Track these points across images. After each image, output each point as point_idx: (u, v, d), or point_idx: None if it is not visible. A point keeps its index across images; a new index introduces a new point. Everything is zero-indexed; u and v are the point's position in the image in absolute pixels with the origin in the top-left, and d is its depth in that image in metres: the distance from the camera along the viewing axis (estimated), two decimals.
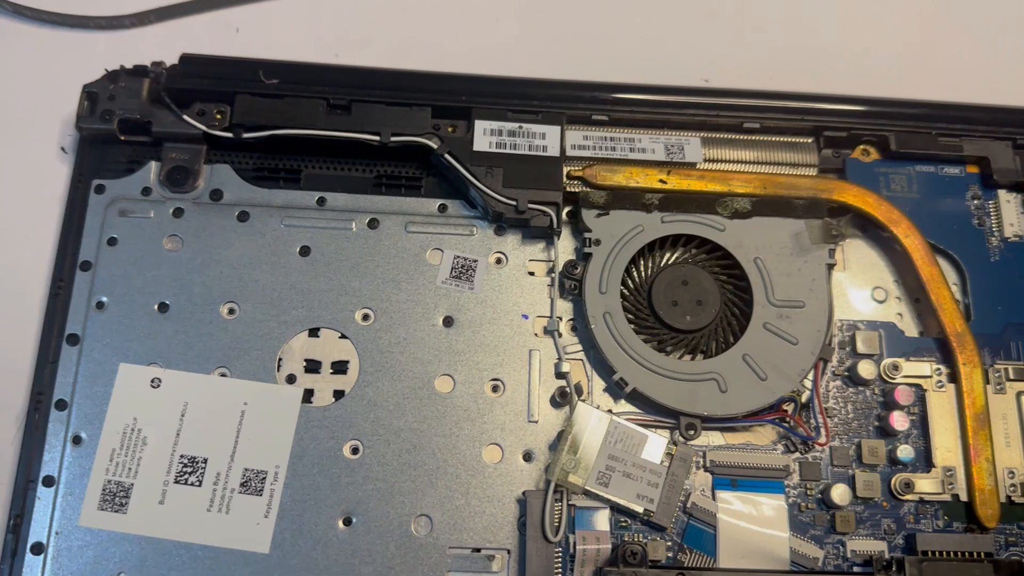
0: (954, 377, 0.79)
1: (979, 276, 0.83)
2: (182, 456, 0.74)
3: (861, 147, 0.86)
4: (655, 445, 0.75)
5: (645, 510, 0.73)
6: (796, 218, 0.82)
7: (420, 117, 0.82)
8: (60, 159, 0.87)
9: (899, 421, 0.77)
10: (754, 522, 0.74)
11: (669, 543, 0.74)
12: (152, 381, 0.76)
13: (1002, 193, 0.86)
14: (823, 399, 0.78)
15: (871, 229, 0.84)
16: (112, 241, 0.80)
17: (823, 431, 0.76)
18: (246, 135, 0.81)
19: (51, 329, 0.78)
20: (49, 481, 0.73)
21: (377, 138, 0.81)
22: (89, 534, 0.72)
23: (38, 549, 0.71)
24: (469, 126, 0.82)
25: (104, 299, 0.78)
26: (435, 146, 0.81)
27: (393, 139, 0.81)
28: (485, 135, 0.82)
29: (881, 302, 0.83)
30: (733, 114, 0.84)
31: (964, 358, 0.79)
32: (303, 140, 0.82)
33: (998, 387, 0.79)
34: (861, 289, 0.83)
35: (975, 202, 0.85)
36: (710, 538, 0.74)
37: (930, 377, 0.79)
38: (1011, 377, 0.80)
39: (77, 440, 0.74)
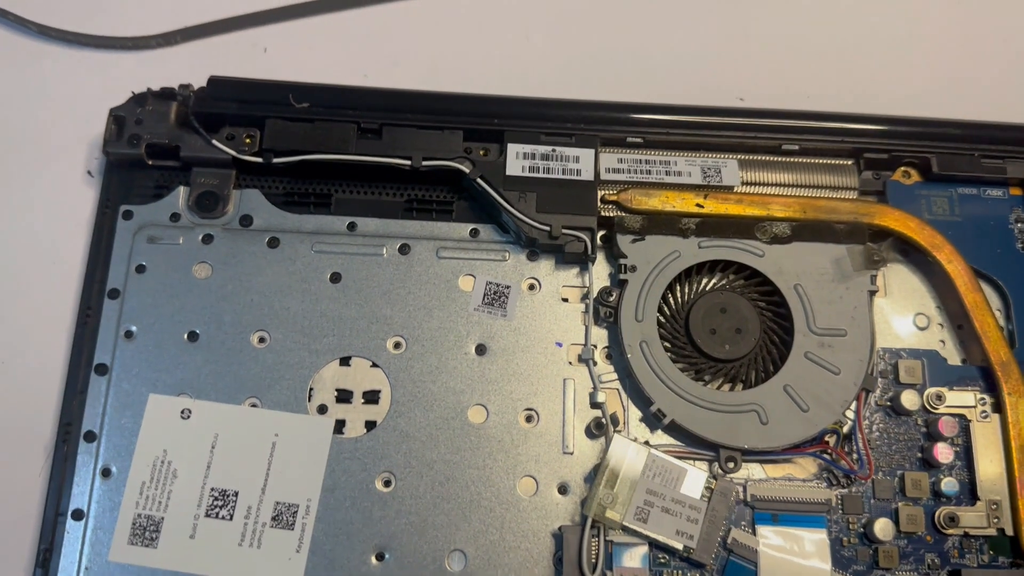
0: (999, 407, 0.77)
1: None
2: (213, 489, 0.73)
3: (902, 169, 0.84)
4: (694, 479, 0.73)
5: (685, 547, 0.72)
6: (837, 243, 0.80)
7: (452, 140, 0.80)
8: (87, 183, 0.86)
9: (943, 453, 0.75)
10: (796, 556, 0.72)
11: None
12: (182, 412, 0.75)
13: None
14: (866, 431, 0.76)
15: (912, 253, 0.82)
16: (140, 268, 0.79)
17: (866, 464, 0.74)
18: (276, 160, 0.80)
19: (79, 359, 0.77)
20: (79, 515, 0.72)
21: (409, 162, 0.79)
22: (119, 569, 0.71)
23: None
24: (501, 149, 0.81)
25: (133, 328, 0.77)
26: (467, 170, 0.79)
27: (425, 163, 0.79)
28: (518, 159, 0.80)
29: (923, 329, 0.81)
30: (771, 135, 0.83)
31: (1009, 387, 0.77)
32: (333, 164, 0.80)
33: None
34: (903, 316, 0.81)
35: (1019, 225, 0.83)
36: (751, 574, 0.72)
37: (974, 407, 0.77)
38: None
39: (107, 473, 0.73)
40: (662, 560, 0.73)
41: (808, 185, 0.82)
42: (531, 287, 0.80)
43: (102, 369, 0.76)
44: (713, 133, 0.83)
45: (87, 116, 0.87)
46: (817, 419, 0.74)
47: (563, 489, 0.74)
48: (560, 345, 0.78)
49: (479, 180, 0.79)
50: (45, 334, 0.80)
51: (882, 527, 0.73)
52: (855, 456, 0.75)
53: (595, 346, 0.78)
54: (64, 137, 0.87)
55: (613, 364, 0.78)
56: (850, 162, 0.83)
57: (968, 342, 0.80)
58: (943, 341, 0.80)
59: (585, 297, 0.80)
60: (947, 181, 0.84)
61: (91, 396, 0.75)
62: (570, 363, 0.78)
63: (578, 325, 0.79)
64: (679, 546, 0.72)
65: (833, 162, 0.83)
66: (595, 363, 0.78)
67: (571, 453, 0.75)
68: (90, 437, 0.74)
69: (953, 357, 0.80)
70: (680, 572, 0.72)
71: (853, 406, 0.76)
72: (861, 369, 0.76)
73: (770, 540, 0.73)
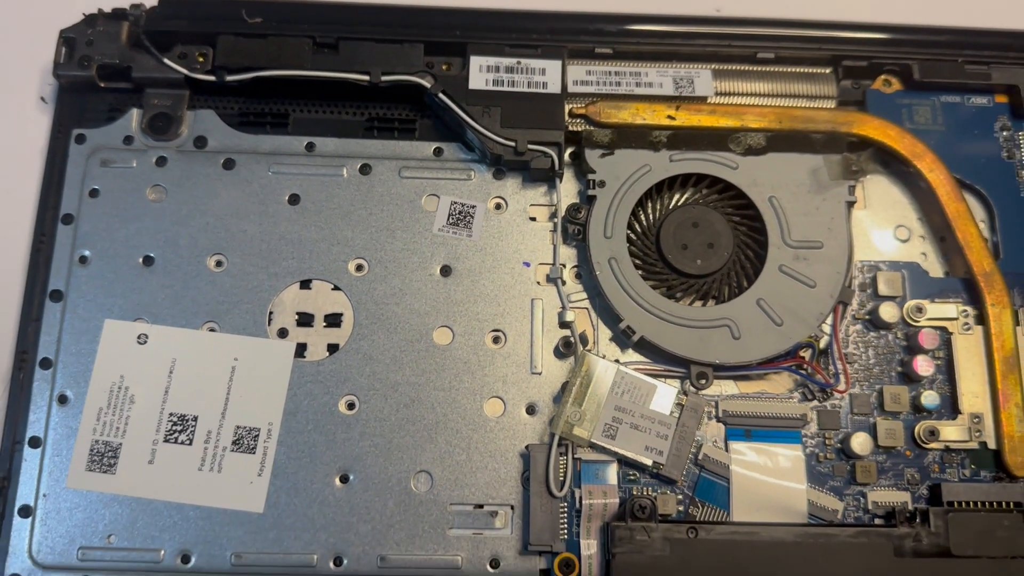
0: (982, 319, 0.75)
1: (1009, 212, 0.78)
2: (171, 414, 0.71)
3: (882, 77, 0.81)
4: (664, 395, 0.71)
5: (654, 463, 0.70)
6: (814, 154, 0.77)
7: (412, 55, 0.77)
8: (41, 110, 0.83)
9: (923, 366, 0.73)
10: (769, 474, 0.71)
11: (680, 497, 0.71)
12: (138, 337, 0.73)
13: None
14: (842, 344, 0.74)
15: (894, 164, 0.79)
16: (94, 193, 0.76)
17: (842, 378, 0.72)
18: (229, 78, 0.77)
19: (34, 286, 0.75)
20: (35, 442, 0.71)
21: (367, 78, 0.77)
22: (77, 496, 0.69)
23: (26, 512, 0.69)
24: (464, 63, 0.78)
25: (87, 253, 0.75)
26: (428, 85, 0.76)
27: (384, 79, 0.77)
28: (481, 72, 0.77)
29: (904, 241, 0.78)
30: (746, 44, 0.79)
31: (992, 299, 0.74)
32: (289, 82, 0.78)
33: None
34: (883, 228, 0.78)
35: (1004, 134, 0.80)
36: (723, 491, 0.70)
37: (956, 319, 0.75)
38: None
39: (63, 400, 0.71)
40: (632, 477, 0.71)
41: (784, 95, 0.79)
42: (497, 206, 0.78)
43: (57, 295, 0.74)
44: (685, 42, 0.79)
45: (39, 41, 0.84)
46: (791, 333, 0.72)
47: (531, 409, 0.73)
48: (528, 265, 0.76)
49: (441, 95, 0.76)
50: (0, 262, 0.77)
51: (860, 442, 0.71)
52: (831, 370, 0.73)
53: (564, 265, 0.76)
54: (16, 63, 0.84)
55: (582, 283, 0.76)
56: (828, 70, 0.80)
57: (951, 254, 0.78)
58: (925, 254, 0.78)
59: (553, 215, 0.77)
60: (930, 89, 0.81)
61: (46, 323, 0.73)
62: (538, 283, 0.76)
63: (546, 244, 0.77)
64: (648, 462, 0.70)
65: (810, 70, 0.80)
66: (564, 282, 0.75)
67: (539, 373, 0.73)
68: (46, 364, 0.72)
69: (935, 270, 0.78)
70: (650, 489, 0.71)
71: (829, 319, 0.73)
72: (838, 282, 0.74)
73: (742, 456, 0.71)
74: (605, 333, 0.75)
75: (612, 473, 0.71)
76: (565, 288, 0.75)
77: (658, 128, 0.77)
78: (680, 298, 0.75)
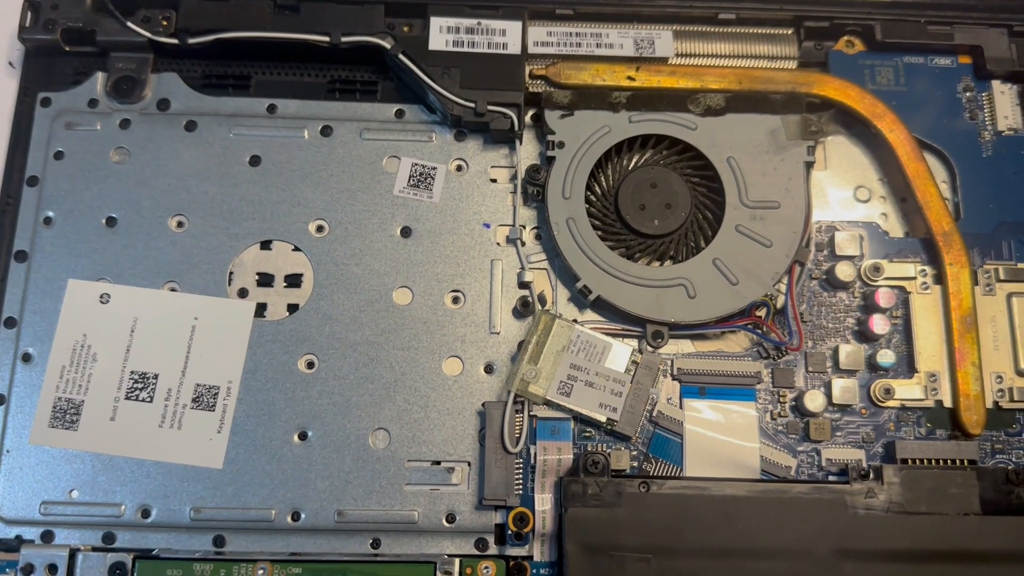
0: (940, 279, 0.75)
1: (970, 173, 0.78)
2: (133, 372, 0.72)
3: (845, 38, 0.81)
4: (619, 353, 0.72)
5: (608, 420, 0.70)
6: (773, 115, 0.77)
7: (373, 16, 0.78)
8: (8, 74, 0.84)
9: (879, 325, 0.73)
10: (723, 431, 0.71)
11: (635, 453, 0.71)
12: (101, 297, 0.74)
13: (996, 84, 0.80)
14: (798, 303, 0.74)
15: (855, 125, 0.79)
16: (59, 155, 0.77)
17: (796, 335, 0.72)
18: (192, 40, 0.78)
19: None
20: (0, 400, 0.72)
21: (327, 39, 0.77)
22: (40, 452, 0.71)
23: None
24: (425, 24, 0.78)
25: (51, 214, 0.75)
26: (388, 46, 0.77)
27: (344, 40, 0.77)
28: (441, 33, 0.77)
29: (864, 202, 0.78)
30: (707, 5, 0.79)
31: (951, 258, 0.75)
32: (252, 44, 0.78)
33: (987, 288, 0.75)
34: (843, 189, 0.78)
35: (967, 94, 0.80)
36: (676, 447, 0.71)
37: (914, 279, 0.75)
38: (1001, 278, 0.75)
39: (27, 358, 0.72)
40: (587, 434, 0.72)
41: (746, 56, 0.79)
42: (459, 168, 0.78)
43: (22, 256, 0.75)
44: (647, 3, 0.79)
45: (7, 7, 0.84)
46: (746, 291, 0.73)
47: (489, 368, 0.73)
48: (488, 226, 0.76)
49: (401, 56, 0.77)
50: None
51: (813, 399, 0.72)
52: (787, 329, 0.73)
53: (524, 226, 0.77)
54: None
55: (542, 244, 0.76)
56: (790, 31, 0.80)
57: (911, 215, 0.78)
58: (885, 214, 0.78)
59: (514, 177, 0.77)
60: (893, 50, 0.80)
61: (11, 283, 0.74)
62: (498, 244, 0.76)
63: (507, 206, 0.77)
64: (602, 419, 0.70)
65: (772, 31, 0.80)
66: (523, 243, 0.76)
67: (498, 333, 0.74)
68: (10, 323, 0.73)
69: (896, 230, 0.78)
70: (605, 445, 0.71)
71: (786, 279, 0.74)
72: (794, 241, 0.74)
73: (696, 414, 0.71)
74: (564, 293, 0.75)
75: (568, 430, 0.71)
76: (525, 249, 0.76)
77: (618, 89, 0.77)
78: (638, 258, 0.75)
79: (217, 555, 0.69)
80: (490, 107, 0.76)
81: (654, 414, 0.72)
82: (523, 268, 0.75)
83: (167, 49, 0.79)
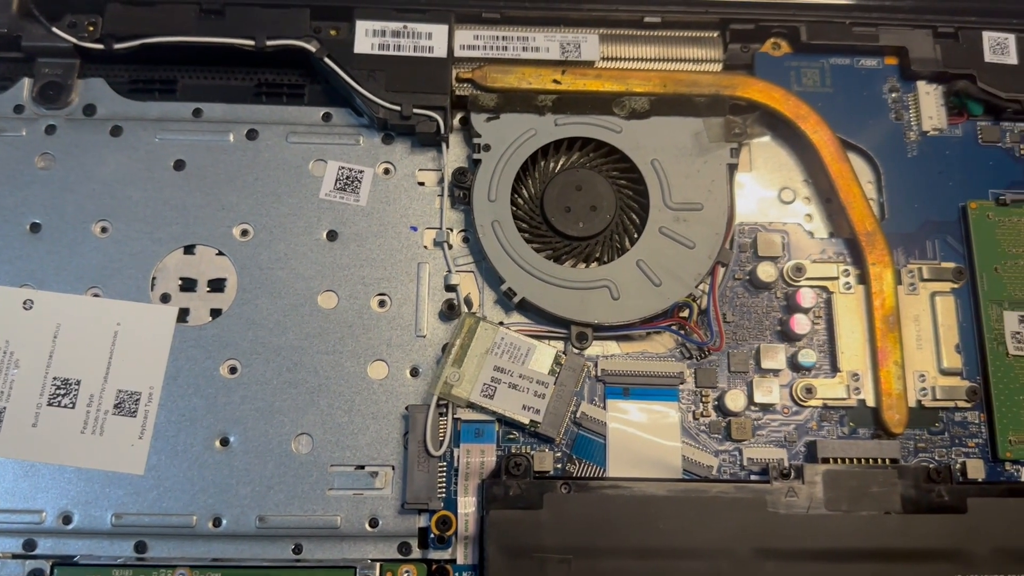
0: (864, 278, 0.75)
1: (895, 173, 0.79)
2: (55, 378, 0.72)
3: (771, 40, 0.81)
4: (543, 355, 0.72)
5: (531, 421, 0.71)
6: (697, 117, 0.77)
7: (298, 19, 0.78)
8: None
9: (800, 324, 0.73)
10: (645, 430, 0.71)
11: (559, 454, 0.72)
12: (24, 303, 0.73)
13: (921, 85, 0.81)
14: (721, 304, 0.74)
15: (781, 127, 0.80)
16: None
17: (717, 335, 0.72)
18: (117, 46, 0.77)
19: None
20: None
21: (252, 43, 0.77)
22: None
23: None
24: (352, 27, 0.78)
25: None
26: (314, 49, 0.77)
27: (269, 43, 0.77)
28: (367, 36, 0.78)
29: (789, 203, 0.79)
30: (633, 8, 0.80)
31: (874, 258, 0.75)
32: (178, 49, 0.78)
33: (911, 288, 0.76)
34: (768, 190, 0.79)
35: (893, 95, 0.81)
36: (600, 448, 0.71)
37: (836, 279, 0.76)
38: (925, 277, 0.76)
39: None
40: (511, 436, 0.72)
41: (671, 59, 0.79)
42: (386, 171, 0.78)
43: None
44: (573, 7, 0.80)
45: None
46: (669, 292, 0.73)
47: (415, 371, 0.73)
48: (415, 229, 0.77)
49: (326, 59, 0.77)
50: None
51: (734, 399, 0.72)
52: (709, 330, 0.74)
53: (451, 229, 0.77)
54: None
55: (469, 247, 0.77)
56: (715, 34, 0.80)
57: (836, 216, 0.78)
58: (809, 215, 0.79)
59: (441, 180, 0.77)
60: (818, 52, 0.81)
61: None
62: (425, 247, 0.76)
63: (434, 209, 0.77)
64: (525, 420, 0.71)
65: (698, 34, 0.80)
66: (450, 246, 0.76)
67: (424, 336, 0.74)
68: None
69: (820, 231, 0.78)
70: (529, 447, 0.72)
71: (709, 279, 0.74)
72: (717, 242, 0.74)
73: (620, 414, 0.72)
74: (491, 296, 0.75)
75: (492, 432, 0.71)
76: (452, 252, 0.76)
77: (544, 92, 0.77)
78: (564, 260, 0.75)
79: (138, 561, 0.69)
80: (416, 110, 0.76)
81: (578, 415, 0.72)
82: (450, 271, 0.75)
83: (93, 54, 0.78)
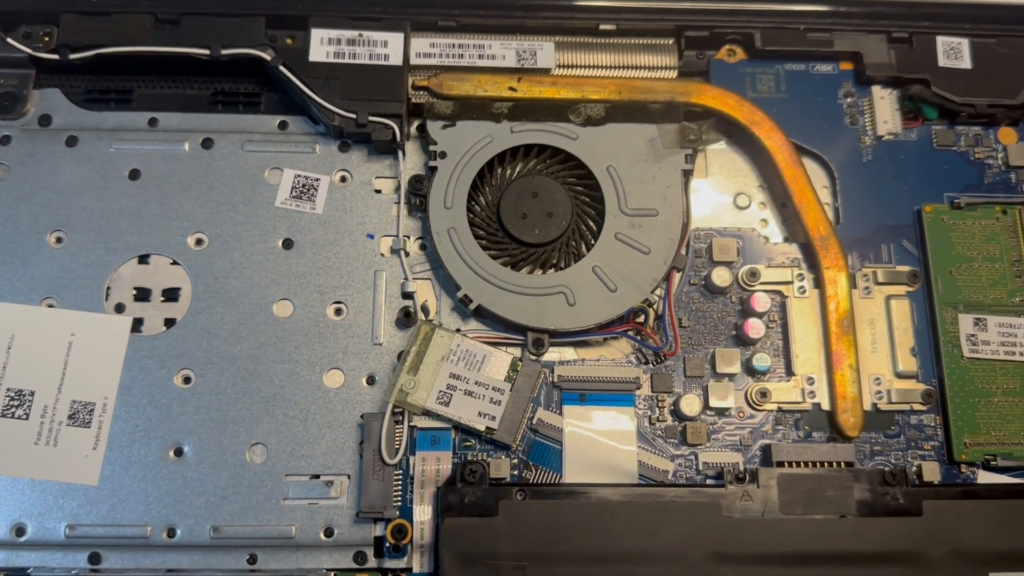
0: (819, 283, 0.76)
1: (850, 178, 0.80)
2: (8, 390, 0.71)
3: (726, 47, 0.82)
4: (499, 362, 0.72)
5: (487, 428, 0.71)
6: (652, 124, 0.78)
7: (253, 28, 0.78)
8: None
9: (754, 329, 0.74)
10: (602, 436, 0.71)
11: (515, 461, 0.71)
12: None
13: (876, 89, 0.81)
14: (676, 309, 0.75)
15: (736, 133, 0.80)
16: None
17: (672, 340, 0.73)
18: (73, 56, 0.77)
19: None
20: None
21: (207, 52, 0.77)
22: None
23: None
24: (307, 36, 0.78)
25: None
26: (269, 58, 0.77)
27: (224, 52, 0.77)
28: (322, 45, 0.78)
29: (744, 208, 0.79)
30: (588, 16, 0.80)
31: (828, 262, 0.76)
32: (133, 58, 0.78)
33: (865, 291, 0.76)
34: (724, 196, 0.79)
35: (848, 100, 0.81)
36: (556, 454, 0.71)
37: (791, 283, 0.76)
38: (880, 281, 0.76)
39: None
40: (467, 443, 0.72)
41: (626, 66, 0.80)
42: (343, 179, 0.78)
43: None
44: (528, 15, 0.80)
45: None
46: (625, 298, 0.73)
47: (371, 379, 0.73)
48: (372, 237, 0.77)
49: (281, 67, 0.77)
50: None
51: (689, 403, 0.72)
52: (664, 335, 0.74)
53: (408, 237, 0.77)
54: None
55: (426, 254, 0.77)
56: (670, 41, 0.81)
57: (791, 221, 0.79)
58: (764, 220, 0.79)
59: (398, 187, 0.77)
60: (773, 58, 0.82)
61: None
62: (382, 255, 0.76)
63: (391, 216, 0.77)
64: (481, 427, 0.70)
65: (653, 42, 0.80)
66: (407, 254, 0.76)
67: (380, 344, 0.74)
68: None
69: (775, 236, 0.79)
70: (485, 454, 0.71)
71: (664, 285, 0.74)
72: (672, 248, 0.74)
73: (576, 420, 0.72)
74: (447, 303, 0.75)
75: (448, 440, 0.71)
76: (409, 259, 0.76)
77: (500, 100, 0.78)
78: (521, 267, 0.76)
79: (92, 572, 0.68)
80: (372, 118, 0.76)
81: (534, 421, 0.72)
82: (407, 279, 0.75)
83: (49, 65, 0.78)
